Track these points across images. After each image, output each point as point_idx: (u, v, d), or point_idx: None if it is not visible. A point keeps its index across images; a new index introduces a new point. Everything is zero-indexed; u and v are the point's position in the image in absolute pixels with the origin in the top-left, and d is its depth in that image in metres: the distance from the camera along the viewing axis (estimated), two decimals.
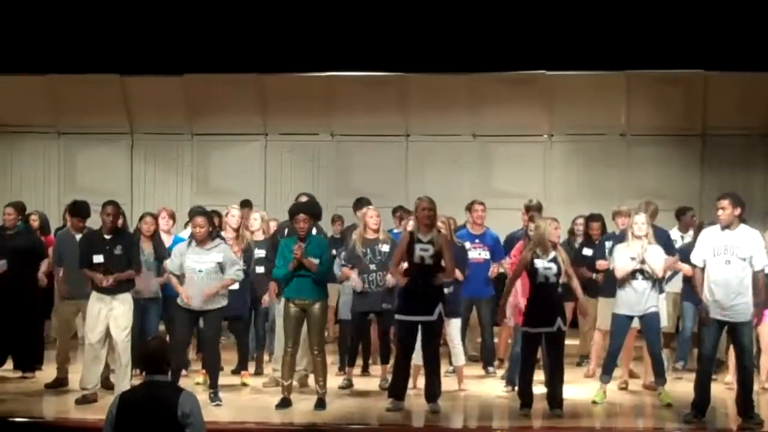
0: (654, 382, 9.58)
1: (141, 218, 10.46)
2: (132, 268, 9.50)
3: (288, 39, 14.83)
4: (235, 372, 10.48)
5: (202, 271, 9.25)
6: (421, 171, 15.81)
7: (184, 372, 10.14)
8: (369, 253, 9.95)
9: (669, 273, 10.48)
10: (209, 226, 9.36)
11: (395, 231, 11.09)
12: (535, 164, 15.73)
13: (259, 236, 10.89)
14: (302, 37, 14.75)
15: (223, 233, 10.37)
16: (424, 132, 15.92)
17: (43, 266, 10.73)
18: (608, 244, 10.34)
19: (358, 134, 15.97)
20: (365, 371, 10.61)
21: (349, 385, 10.04)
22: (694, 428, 8.40)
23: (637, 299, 9.30)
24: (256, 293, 10.61)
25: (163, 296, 10.24)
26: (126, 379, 9.24)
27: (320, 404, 8.96)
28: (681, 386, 9.86)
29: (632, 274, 9.29)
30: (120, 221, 9.74)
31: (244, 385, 10.10)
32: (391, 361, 10.39)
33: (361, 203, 11.23)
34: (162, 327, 10.66)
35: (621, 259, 9.38)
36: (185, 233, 10.64)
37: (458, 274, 9.62)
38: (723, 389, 9.80)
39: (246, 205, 11.79)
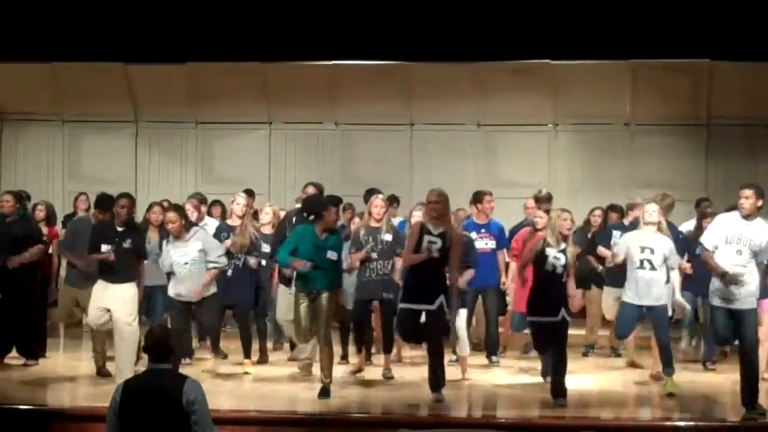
0: (661, 372, 9.54)
1: (149, 208, 10.61)
2: (139, 259, 9.68)
3: (292, 27, 14.80)
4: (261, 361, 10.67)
5: (187, 263, 9.49)
6: (426, 160, 15.80)
7: (188, 360, 10.20)
8: (371, 242, 9.97)
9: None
10: (181, 219, 9.54)
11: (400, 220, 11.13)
12: (539, 154, 15.72)
13: (268, 230, 10.88)
14: (306, 25, 14.72)
15: (229, 221, 10.53)
16: (429, 121, 15.91)
17: (29, 254, 10.47)
18: (617, 233, 10.32)
19: (362, 123, 15.96)
20: (368, 360, 10.61)
21: (358, 370, 10.09)
22: (697, 420, 8.38)
23: (641, 289, 9.27)
24: (261, 283, 10.65)
25: None
26: (129, 367, 9.24)
27: (324, 393, 8.96)
28: (685, 377, 9.88)
29: (639, 264, 9.27)
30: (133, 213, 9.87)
31: (246, 373, 10.11)
32: (394, 351, 10.45)
33: (371, 193, 11.25)
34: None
35: (621, 246, 9.41)
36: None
37: (462, 279, 9.58)
38: (725, 380, 9.79)
39: (249, 194, 11.79)
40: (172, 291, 9.64)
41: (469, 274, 9.80)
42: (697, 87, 15.30)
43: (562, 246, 8.92)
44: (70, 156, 16.46)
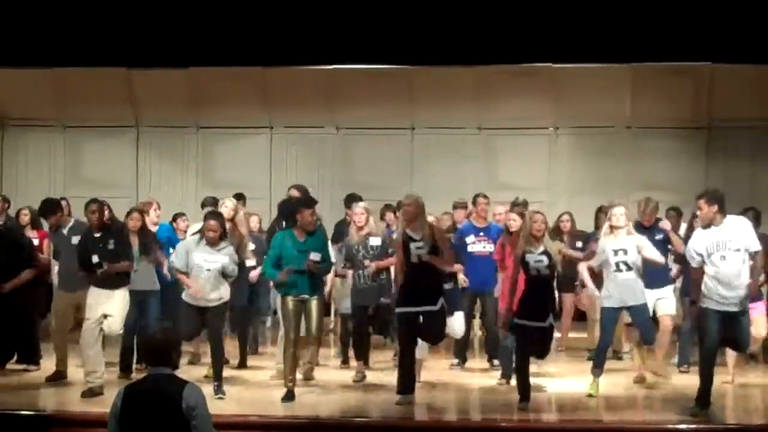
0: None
1: (128, 214, 10.33)
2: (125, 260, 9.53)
3: (293, 32, 14.81)
4: (241, 365, 10.60)
5: (210, 270, 9.28)
6: (427, 163, 15.81)
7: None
8: (362, 250, 10.08)
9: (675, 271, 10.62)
10: (221, 229, 9.39)
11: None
12: (540, 157, 15.73)
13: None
14: (307, 29, 14.73)
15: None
16: (430, 125, 15.93)
17: (26, 275, 10.45)
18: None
19: (363, 127, 15.98)
20: (366, 365, 10.61)
21: (362, 378, 10.08)
22: (697, 421, 8.38)
23: (623, 291, 9.25)
24: (255, 286, 10.79)
25: (161, 287, 10.30)
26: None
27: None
28: (683, 380, 9.86)
29: (616, 267, 9.25)
30: (106, 215, 9.71)
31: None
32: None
33: (350, 199, 11.28)
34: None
35: (598, 255, 9.41)
36: (196, 226, 10.63)
37: (458, 266, 9.75)
38: (721, 384, 9.78)
39: (239, 198, 11.83)
40: (186, 295, 9.38)
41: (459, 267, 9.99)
42: (698, 90, 15.32)
43: (541, 248, 8.89)
44: (71, 161, 16.49)
